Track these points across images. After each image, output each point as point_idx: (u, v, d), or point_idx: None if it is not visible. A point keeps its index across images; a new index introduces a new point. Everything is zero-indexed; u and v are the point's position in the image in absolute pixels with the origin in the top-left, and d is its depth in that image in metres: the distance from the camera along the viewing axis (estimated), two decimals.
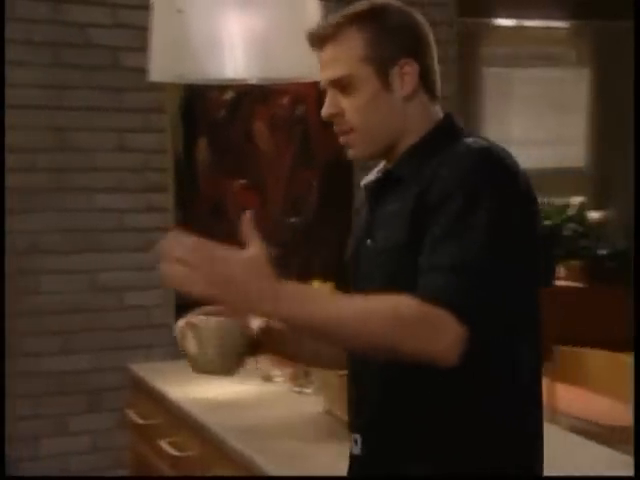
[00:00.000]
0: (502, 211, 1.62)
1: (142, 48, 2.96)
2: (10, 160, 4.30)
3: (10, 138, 4.29)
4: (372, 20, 1.79)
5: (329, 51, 1.80)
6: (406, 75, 1.79)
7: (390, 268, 1.73)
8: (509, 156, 1.71)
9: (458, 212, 1.62)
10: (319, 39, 1.81)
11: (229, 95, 4.67)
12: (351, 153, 1.83)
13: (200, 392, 3.15)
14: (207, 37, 2.67)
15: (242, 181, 4.73)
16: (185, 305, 1.85)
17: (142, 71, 2.91)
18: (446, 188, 1.65)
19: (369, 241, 1.81)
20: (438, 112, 1.85)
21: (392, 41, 1.78)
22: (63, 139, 4.40)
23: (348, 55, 1.78)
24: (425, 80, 1.82)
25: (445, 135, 1.79)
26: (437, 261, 1.61)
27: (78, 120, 4.41)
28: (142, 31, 3.01)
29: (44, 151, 4.37)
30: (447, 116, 1.85)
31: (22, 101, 4.32)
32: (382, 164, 1.88)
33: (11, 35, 4.30)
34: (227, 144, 4.70)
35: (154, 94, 4.47)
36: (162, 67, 2.82)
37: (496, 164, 1.67)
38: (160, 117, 4.55)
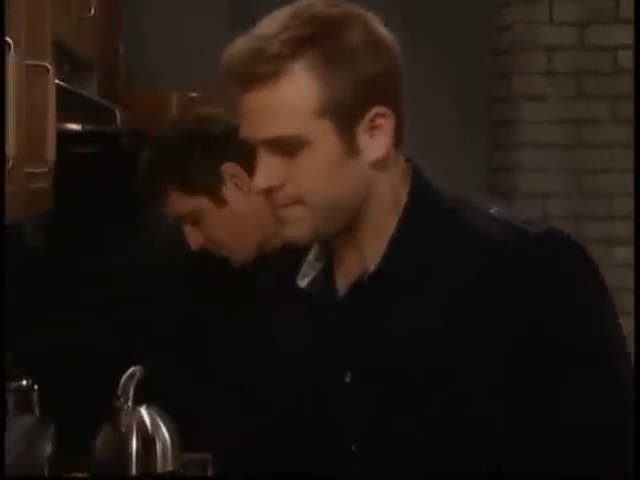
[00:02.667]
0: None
1: None
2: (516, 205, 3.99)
3: (519, 180, 4.00)
4: (329, 47, 1.21)
5: (262, 97, 1.22)
6: (378, 131, 1.25)
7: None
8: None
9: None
10: (247, 77, 1.22)
11: None
12: (289, 232, 1.28)
13: None
14: None
15: None
16: None
17: None
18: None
19: (349, 376, 1.30)
20: (406, 167, 1.32)
21: (360, 80, 1.22)
22: (579, 182, 4.00)
23: (294, 107, 1.22)
24: (398, 133, 1.27)
25: (430, 208, 1.30)
26: None
27: (598, 160, 3.99)
28: None
29: (555, 196, 4.01)
30: (417, 174, 1.31)
31: (535, 139, 3.99)
32: (314, 254, 1.34)
33: (532, 67, 3.99)
34: None
35: None
36: None
37: (594, 271, 1.28)
38: None
